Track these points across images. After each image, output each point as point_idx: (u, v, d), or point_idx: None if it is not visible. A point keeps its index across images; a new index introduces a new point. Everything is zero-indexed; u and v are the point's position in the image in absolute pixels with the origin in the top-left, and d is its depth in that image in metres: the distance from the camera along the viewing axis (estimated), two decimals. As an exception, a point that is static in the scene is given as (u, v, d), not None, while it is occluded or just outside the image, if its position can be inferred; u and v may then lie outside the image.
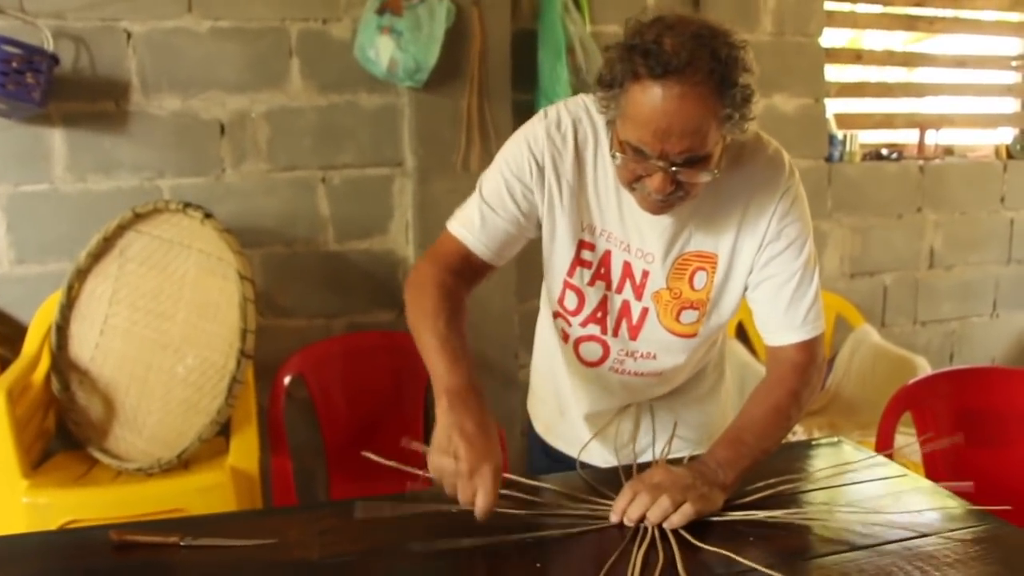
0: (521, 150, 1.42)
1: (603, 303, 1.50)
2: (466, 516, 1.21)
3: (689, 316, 1.48)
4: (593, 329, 1.53)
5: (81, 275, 2.47)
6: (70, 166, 2.60)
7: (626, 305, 1.50)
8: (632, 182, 1.30)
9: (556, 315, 1.57)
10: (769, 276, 1.43)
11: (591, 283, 1.49)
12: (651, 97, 1.18)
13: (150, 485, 2.29)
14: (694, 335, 1.50)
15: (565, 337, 1.58)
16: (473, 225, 1.43)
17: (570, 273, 1.49)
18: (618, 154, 1.28)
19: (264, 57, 2.72)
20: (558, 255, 1.48)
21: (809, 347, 1.44)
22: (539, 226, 1.47)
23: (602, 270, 1.48)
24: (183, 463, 2.34)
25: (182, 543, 1.24)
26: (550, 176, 1.41)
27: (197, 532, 1.26)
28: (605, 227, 1.45)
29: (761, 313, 1.47)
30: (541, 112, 1.45)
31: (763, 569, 1.14)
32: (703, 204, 1.38)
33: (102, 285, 2.49)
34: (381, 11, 2.58)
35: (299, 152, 2.79)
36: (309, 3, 2.73)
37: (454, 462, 1.19)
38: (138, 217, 2.48)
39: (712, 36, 1.18)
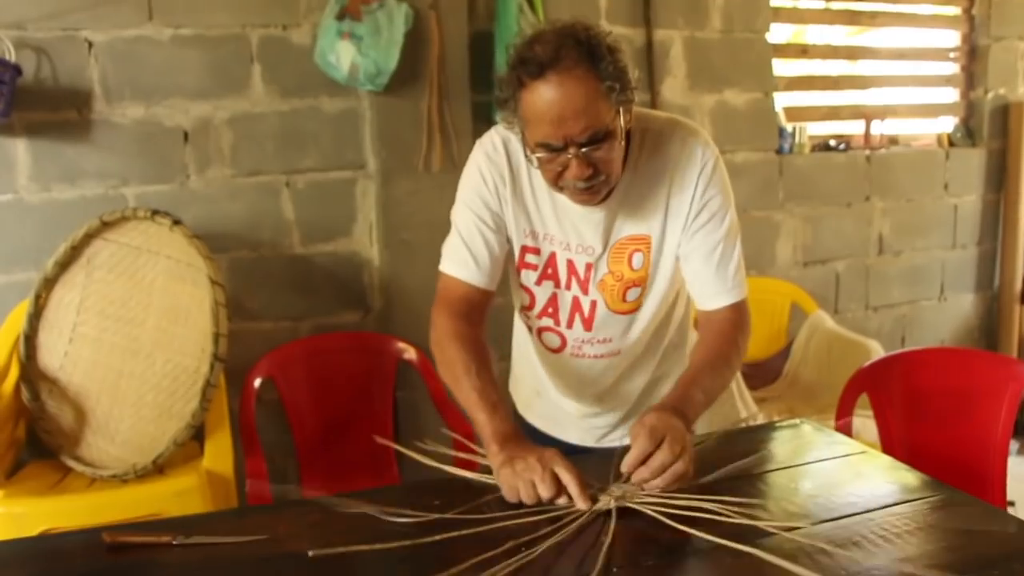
0: (476, 181, 1.57)
1: (552, 300, 1.64)
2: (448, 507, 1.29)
3: (633, 293, 1.61)
4: (548, 322, 1.67)
5: (48, 284, 2.47)
6: (34, 176, 2.60)
7: (576, 301, 1.63)
8: (557, 180, 1.43)
9: (521, 310, 1.72)
10: (697, 246, 1.55)
11: (538, 283, 1.63)
12: (538, 95, 1.33)
13: (126, 491, 2.30)
14: (639, 307, 1.63)
15: (529, 328, 1.72)
16: (466, 262, 1.57)
17: (518, 274, 1.64)
18: (534, 157, 1.42)
19: (226, 64, 2.74)
20: (513, 260, 1.63)
21: (738, 308, 1.58)
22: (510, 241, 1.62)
23: (549, 270, 1.62)
24: (158, 468, 2.35)
25: (175, 542, 1.25)
26: (502, 191, 1.56)
27: (188, 531, 1.28)
28: (547, 231, 1.59)
29: (693, 280, 1.60)
30: (479, 142, 1.61)
31: (731, 544, 1.18)
32: (630, 193, 1.52)
33: (70, 294, 2.49)
34: (341, 17, 2.61)
35: (262, 157, 2.82)
36: (269, 10, 2.76)
37: (527, 462, 1.34)
38: (105, 225, 2.48)
39: (572, 28, 1.34)
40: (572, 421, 1.79)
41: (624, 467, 1.33)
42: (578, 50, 1.32)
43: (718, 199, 1.54)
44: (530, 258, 1.61)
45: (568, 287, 1.62)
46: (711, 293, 1.58)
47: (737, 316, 1.58)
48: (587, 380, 1.72)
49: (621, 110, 1.39)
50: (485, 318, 1.61)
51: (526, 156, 1.47)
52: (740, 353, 1.57)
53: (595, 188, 1.43)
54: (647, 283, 1.60)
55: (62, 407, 2.44)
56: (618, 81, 1.35)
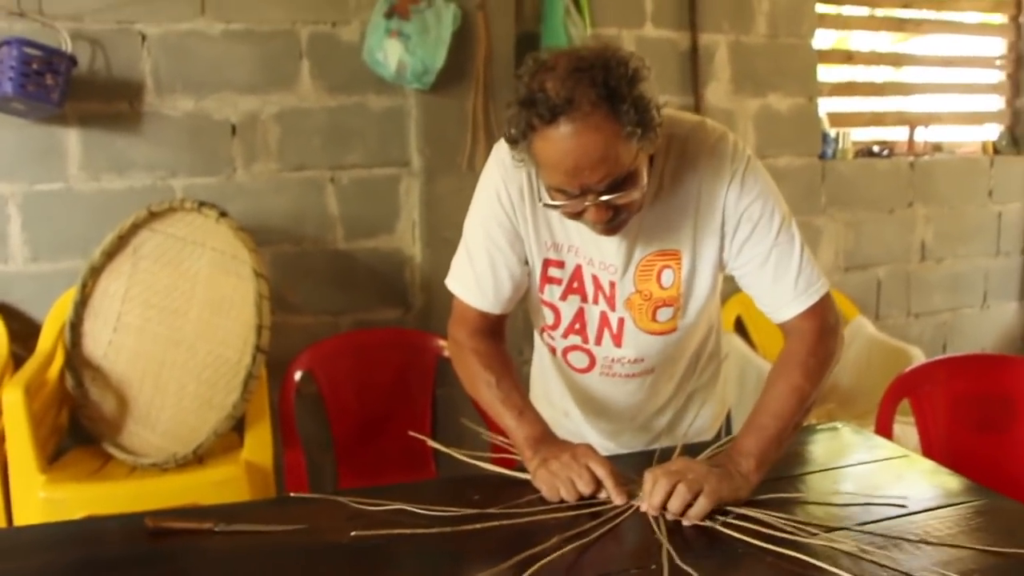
0: (490, 199, 1.46)
1: (579, 315, 1.53)
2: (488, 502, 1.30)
3: (665, 314, 1.50)
4: (575, 339, 1.57)
5: (95, 273, 2.51)
6: (84, 165, 2.65)
7: (604, 316, 1.52)
8: (576, 218, 1.33)
9: (541, 330, 1.62)
10: (748, 260, 1.44)
11: (563, 297, 1.52)
12: (551, 142, 1.21)
13: (165, 479, 2.33)
14: (674, 330, 1.53)
15: (552, 350, 1.63)
16: (475, 289, 1.51)
17: (541, 290, 1.53)
18: (551, 201, 1.31)
19: (275, 59, 2.78)
20: (533, 275, 1.52)
21: (813, 313, 1.44)
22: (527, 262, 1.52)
23: (575, 284, 1.51)
24: (198, 458, 2.38)
25: (216, 529, 1.26)
26: (519, 206, 1.45)
27: (230, 519, 1.29)
28: (571, 242, 1.48)
29: (756, 296, 1.48)
30: (495, 150, 1.49)
31: (776, 548, 1.17)
32: (656, 206, 1.40)
33: (115, 283, 2.53)
34: (389, 15, 2.63)
35: (308, 152, 2.85)
36: (319, 7, 2.79)
37: (560, 459, 1.34)
38: (153, 215, 2.52)
39: (588, 66, 1.19)
40: (598, 440, 1.66)
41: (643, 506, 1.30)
42: (595, 92, 1.18)
43: (758, 205, 1.41)
44: (553, 272, 1.51)
45: (596, 301, 1.51)
46: (776, 306, 1.46)
47: (814, 323, 1.44)
48: (619, 400, 1.64)
49: (645, 146, 1.26)
50: (504, 330, 1.57)
51: (539, 197, 1.38)
52: (820, 374, 1.44)
53: (618, 224, 1.33)
54: (679, 303, 1.50)
55: (105, 395, 2.48)
56: (640, 125, 1.21)
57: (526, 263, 1.51)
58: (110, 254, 2.52)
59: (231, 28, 2.72)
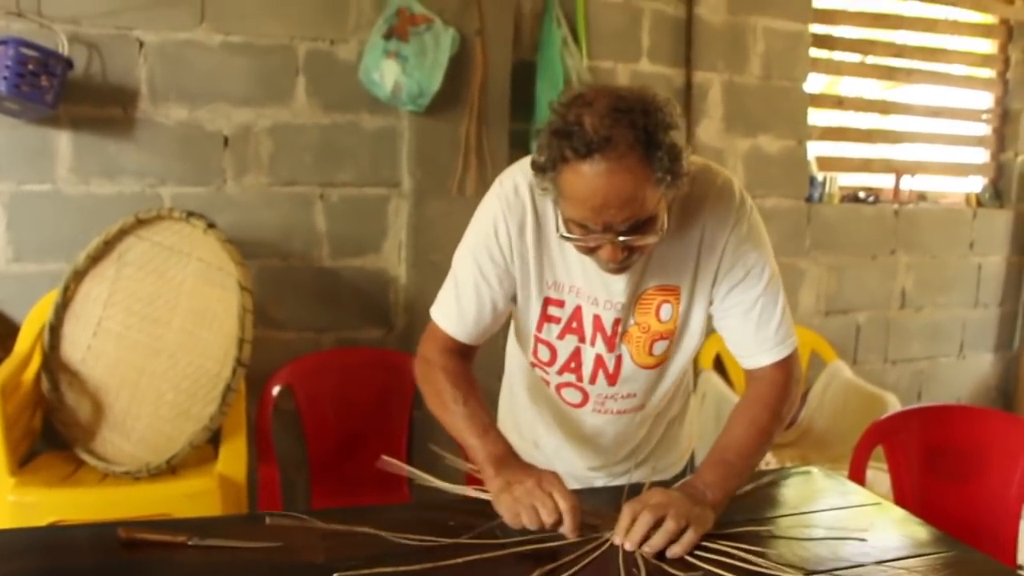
0: (487, 231, 1.45)
1: (575, 354, 1.54)
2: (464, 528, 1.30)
3: (660, 347, 1.53)
4: (569, 377, 1.58)
5: (78, 276, 2.49)
6: (74, 168, 2.63)
7: (600, 358, 1.53)
8: (588, 253, 1.35)
9: (533, 365, 1.62)
10: (734, 304, 1.48)
11: (560, 336, 1.53)
12: (582, 177, 1.22)
13: (137, 489, 2.30)
14: (665, 361, 1.56)
15: (547, 383, 1.63)
16: (458, 319, 1.51)
17: (539, 328, 1.53)
18: (567, 233, 1.32)
19: (271, 73, 2.78)
20: (528, 311, 1.52)
21: (784, 365, 1.50)
22: (515, 298, 1.52)
23: (573, 324, 1.52)
24: (171, 468, 2.36)
25: (190, 543, 1.26)
26: (516, 242, 1.45)
27: (203, 533, 1.28)
28: (572, 283, 1.48)
29: (732, 340, 1.53)
30: (497, 182, 1.48)
31: None
32: (661, 243, 1.39)
33: (98, 287, 2.51)
34: (388, 36, 2.65)
35: (299, 168, 2.85)
36: (318, 24, 2.80)
37: (524, 486, 1.31)
38: (140, 222, 2.51)
39: (629, 108, 1.21)
40: (571, 471, 1.67)
41: (623, 541, 1.30)
42: (634, 134, 1.20)
43: (753, 253, 1.46)
44: (553, 311, 1.51)
45: (592, 343, 1.52)
46: (752, 352, 1.51)
47: (782, 375, 1.50)
48: (607, 434, 1.65)
49: (670, 193, 1.29)
50: (474, 356, 1.58)
51: (556, 227, 1.36)
52: (782, 420, 1.50)
53: (627, 265, 1.35)
54: (675, 336, 1.53)
55: (80, 400, 2.46)
56: (670, 172, 1.23)
57: (513, 300, 1.52)
58: (95, 258, 2.51)
59: (229, 40, 2.72)
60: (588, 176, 1.21)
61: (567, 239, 1.33)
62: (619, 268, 1.35)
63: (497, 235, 1.45)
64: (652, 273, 1.47)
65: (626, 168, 1.21)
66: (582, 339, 1.53)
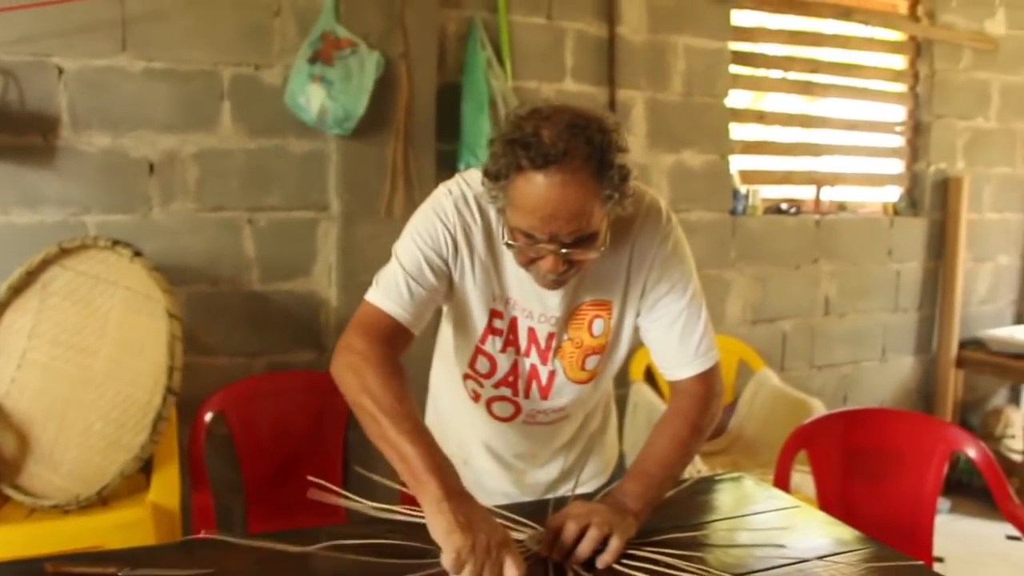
0: (434, 224, 1.46)
1: (514, 367, 1.58)
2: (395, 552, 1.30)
3: (592, 362, 1.58)
4: (505, 391, 1.61)
5: (0, 308, 2.46)
6: (-7, 199, 2.59)
7: (534, 369, 1.58)
8: (527, 264, 1.39)
9: (466, 376, 1.63)
10: (658, 317, 1.53)
11: (503, 350, 1.57)
12: (535, 186, 1.27)
13: (67, 522, 2.26)
14: (595, 376, 1.61)
15: (476, 397, 1.64)
16: (401, 297, 1.44)
17: (482, 340, 1.56)
18: (511, 241, 1.36)
19: (196, 99, 2.77)
20: (471, 322, 1.54)
21: (705, 378, 1.55)
22: (446, 298, 1.53)
23: (511, 336, 1.55)
24: (102, 500, 2.33)
25: (120, 574, 1.25)
26: (463, 248, 1.47)
27: (135, 563, 1.28)
28: (510, 295, 1.52)
29: (657, 352, 1.58)
30: (444, 188, 1.50)
31: None
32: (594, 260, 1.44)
33: (21, 319, 2.47)
34: (313, 60, 2.67)
35: (227, 193, 2.84)
36: (242, 49, 2.80)
37: (477, 539, 1.20)
38: (64, 252, 2.48)
39: (586, 125, 1.27)
40: (499, 487, 1.72)
41: (548, 550, 1.32)
42: (589, 150, 1.25)
43: (679, 268, 1.52)
44: (497, 323, 1.54)
45: (527, 354, 1.56)
46: (675, 364, 1.55)
47: (703, 388, 1.54)
48: (533, 443, 1.68)
49: (614, 211, 1.35)
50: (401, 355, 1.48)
51: (501, 235, 1.40)
52: (702, 433, 1.54)
53: (564, 279, 1.39)
54: (606, 351, 1.57)
55: (4, 434, 2.40)
56: (619, 191, 1.30)
57: (446, 300, 1.53)
58: (17, 289, 2.46)
59: (152, 67, 2.70)
60: (541, 186, 1.26)
61: (510, 247, 1.37)
62: (556, 282, 1.39)
63: (448, 229, 1.46)
64: (585, 288, 1.52)
65: (579, 182, 1.26)
66: (518, 351, 1.57)
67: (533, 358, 1.56)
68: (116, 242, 2.48)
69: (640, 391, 3.27)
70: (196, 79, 2.77)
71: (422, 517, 1.29)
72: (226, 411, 2.73)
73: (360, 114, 2.71)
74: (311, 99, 2.67)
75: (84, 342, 2.46)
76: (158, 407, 2.35)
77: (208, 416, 2.68)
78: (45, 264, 2.48)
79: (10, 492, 2.34)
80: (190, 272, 2.81)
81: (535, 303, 1.51)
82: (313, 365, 3.00)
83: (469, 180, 1.49)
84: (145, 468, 2.42)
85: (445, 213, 1.46)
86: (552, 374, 1.58)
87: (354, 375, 1.38)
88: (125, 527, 2.26)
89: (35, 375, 2.44)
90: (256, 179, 2.87)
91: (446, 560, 1.19)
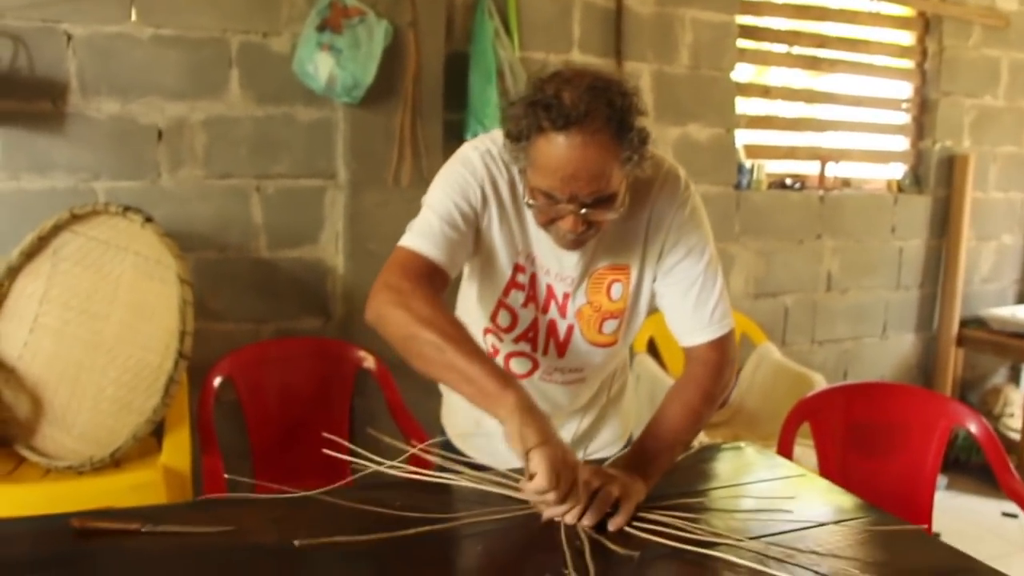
0: (463, 175, 1.48)
1: (534, 323, 1.59)
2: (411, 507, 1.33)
3: (610, 326, 1.59)
4: (524, 347, 1.61)
5: (12, 273, 2.47)
6: (4, 164, 2.61)
7: (552, 324, 1.59)
8: (547, 224, 1.40)
9: (487, 331, 1.64)
10: (675, 282, 1.54)
11: (524, 304, 1.57)
12: (556, 147, 1.29)
13: (81, 483, 2.30)
14: (615, 342, 1.62)
15: (495, 351, 1.65)
16: (435, 239, 1.43)
17: (505, 293, 1.56)
18: (531, 200, 1.38)
19: (204, 66, 2.78)
20: (495, 275, 1.56)
21: (720, 344, 1.56)
22: (477, 247, 1.54)
23: (532, 292, 1.56)
24: (115, 461, 2.37)
25: (143, 530, 1.27)
26: (491, 198, 1.48)
27: (156, 520, 1.30)
28: (532, 251, 1.53)
29: (672, 317, 1.59)
30: (471, 144, 1.52)
31: (690, 548, 1.26)
32: (612, 224, 1.45)
33: (33, 284, 2.49)
34: (321, 28, 2.67)
35: (235, 160, 2.85)
36: (251, 16, 2.81)
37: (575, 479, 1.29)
38: (75, 218, 2.49)
39: (606, 87, 1.29)
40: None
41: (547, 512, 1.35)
42: (610, 112, 1.28)
43: (696, 233, 1.53)
44: (520, 277, 1.56)
45: (546, 310, 1.58)
46: (689, 329, 1.56)
47: (717, 355, 1.55)
48: (548, 404, 1.67)
49: (632, 173, 1.37)
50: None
51: (522, 194, 1.42)
52: (714, 401, 1.55)
53: (583, 239, 1.41)
54: (625, 315, 1.59)
55: (19, 396, 2.44)
56: (637, 153, 1.32)
57: (475, 250, 1.53)
58: (29, 255, 2.48)
59: (161, 33, 2.71)
60: (562, 147, 1.28)
61: (531, 206, 1.39)
62: (575, 242, 1.41)
63: (479, 181, 1.47)
64: (603, 252, 1.53)
65: (599, 143, 1.28)
66: (538, 307, 1.58)
67: (552, 313, 1.58)
68: (127, 208, 2.50)
69: (643, 363, 3.30)
70: (205, 46, 2.77)
71: (432, 477, 1.36)
72: (234, 376, 2.76)
73: (368, 82, 2.71)
74: (319, 67, 2.67)
75: (95, 307, 2.48)
76: (170, 371, 2.38)
77: (217, 381, 2.70)
78: (56, 229, 2.50)
79: (25, 453, 2.39)
80: (198, 239, 2.83)
81: (553, 262, 1.53)
82: (320, 332, 3.03)
83: (495, 137, 1.49)
84: (157, 431, 2.45)
85: (473, 166, 1.48)
86: (570, 330, 1.59)
87: (403, 310, 1.37)
88: (137, 488, 2.30)
89: (47, 339, 2.47)
90: (264, 147, 2.88)
91: (540, 480, 1.24)
